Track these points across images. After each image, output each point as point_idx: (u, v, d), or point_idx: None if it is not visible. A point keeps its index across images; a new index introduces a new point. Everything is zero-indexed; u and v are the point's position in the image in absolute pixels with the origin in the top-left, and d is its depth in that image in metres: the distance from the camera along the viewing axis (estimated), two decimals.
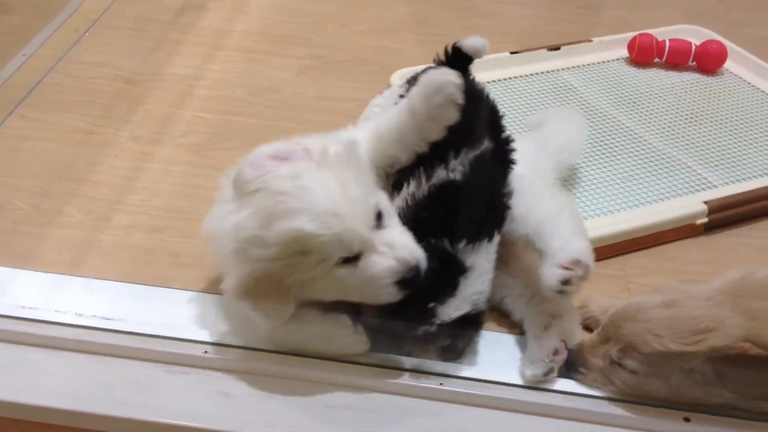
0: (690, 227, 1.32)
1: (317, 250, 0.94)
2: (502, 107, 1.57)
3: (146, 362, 1.06)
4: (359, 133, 1.14)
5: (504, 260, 1.12)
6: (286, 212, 0.94)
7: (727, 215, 1.34)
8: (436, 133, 1.06)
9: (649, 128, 1.56)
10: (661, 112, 1.62)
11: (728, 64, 1.74)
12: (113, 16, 1.93)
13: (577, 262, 1.00)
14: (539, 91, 1.68)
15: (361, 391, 1.03)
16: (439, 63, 1.25)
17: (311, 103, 1.65)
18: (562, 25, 1.96)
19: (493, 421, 1.01)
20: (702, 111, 1.62)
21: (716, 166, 1.46)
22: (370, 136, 1.11)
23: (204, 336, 1.09)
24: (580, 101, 1.64)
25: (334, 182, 0.96)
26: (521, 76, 1.72)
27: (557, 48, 1.78)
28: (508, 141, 1.14)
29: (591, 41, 1.81)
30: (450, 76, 1.03)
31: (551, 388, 1.03)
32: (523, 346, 1.09)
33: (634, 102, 1.65)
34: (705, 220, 1.32)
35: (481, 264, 1.04)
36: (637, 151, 1.50)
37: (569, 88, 1.68)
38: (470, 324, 1.05)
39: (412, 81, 1.23)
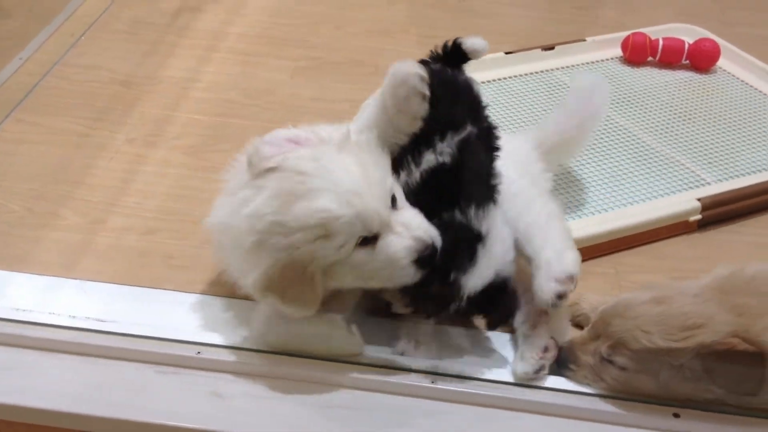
0: (683, 224, 1.33)
1: (339, 232, 0.94)
2: (498, 107, 1.61)
3: (139, 363, 1.07)
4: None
5: None
6: (308, 192, 0.94)
7: (720, 212, 1.34)
8: (409, 125, 1.05)
9: (643, 126, 1.57)
10: (655, 110, 1.62)
11: (721, 62, 1.74)
12: (109, 20, 1.94)
13: (571, 278, 1.02)
14: (534, 90, 1.68)
15: (353, 391, 1.04)
16: (436, 57, 1.26)
17: (307, 104, 1.66)
18: (559, 25, 1.97)
19: (485, 418, 1.01)
20: (695, 109, 1.63)
21: (710, 163, 1.46)
22: (357, 129, 1.10)
23: (197, 337, 1.09)
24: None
25: (354, 164, 0.97)
26: (516, 76, 1.73)
27: (551, 48, 1.78)
28: (491, 128, 1.14)
29: (585, 41, 1.81)
30: (413, 68, 1.03)
31: (542, 385, 1.03)
32: (514, 344, 1.10)
33: (628, 101, 1.65)
34: (698, 217, 1.33)
35: (495, 229, 1.02)
36: (631, 149, 1.50)
37: (564, 88, 1.69)
38: (499, 293, 1.02)
39: None
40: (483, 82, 1.68)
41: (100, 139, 1.53)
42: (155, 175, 1.44)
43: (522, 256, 1.08)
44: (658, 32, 1.79)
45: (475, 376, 1.05)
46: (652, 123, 1.58)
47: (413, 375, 1.05)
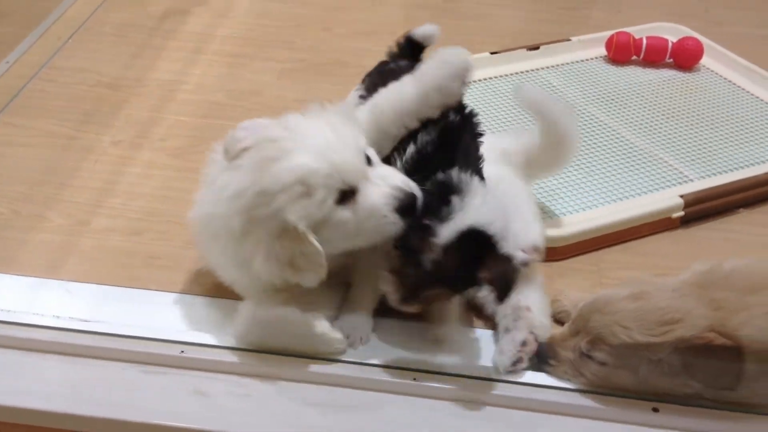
0: (666, 221, 1.33)
1: (319, 186, 0.96)
2: (484, 107, 1.61)
3: (123, 363, 1.07)
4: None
5: None
6: (282, 154, 0.97)
7: (703, 208, 1.35)
8: (437, 106, 1.08)
9: (627, 124, 1.58)
10: (639, 108, 1.63)
11: (704, 60, 1.75)
12: (97, 23, 1.95)
13: (536, 248, 1.05)
14: None
15: (336, 388, 1.05)
16: (395, 55, 1.27)
17: (292, 105, 1.63)
18: (546, 25, 1.97)
19: (466, 414, 1.02)
20: (679, 107, 1.64)
21: (692, 160, 1.47)
22: (367, 110, 1.13)
23: (181, 336, 1.10)
24: (559, 99, 1.65)
25: (324, 125, 1.01)
26: (501, 76, 1.74)
27: (536, 48, 1.79)
28: (472, 114, 1.14)
29: (570, 40, 1.82)
30: (465, 55, 1.08)
31: (522, 380, 1.04)
32: (496, 340, 1.10)
33: (613, 99, 1.66)
34: (681, 213, 1.34)
35: (476, 186, 1.01)
36: (615, 147, 1.51)
37: (549, 87, 1.70)
38: (484, 250, 0.98)
39: (366, 79, 1.25)
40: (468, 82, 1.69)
41: (87, 141, 1.54)
42: (141, 176, 1.45)
43: None
44: (641, 31, 1.80)
45: (457, 372, 1.05)
46: (636, 121, 1.59)
47: (396, 372, 1.05)
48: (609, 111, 1.62)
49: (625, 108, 1.63)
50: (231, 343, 1.08)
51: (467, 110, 1.14)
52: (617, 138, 1.54)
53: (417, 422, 1.01)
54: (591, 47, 1.81)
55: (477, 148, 1.11)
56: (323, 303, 1.09)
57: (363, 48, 1.87)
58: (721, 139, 1.53)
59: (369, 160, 1.03)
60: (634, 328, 0.96)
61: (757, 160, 1.47)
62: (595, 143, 1.52)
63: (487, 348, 1.10)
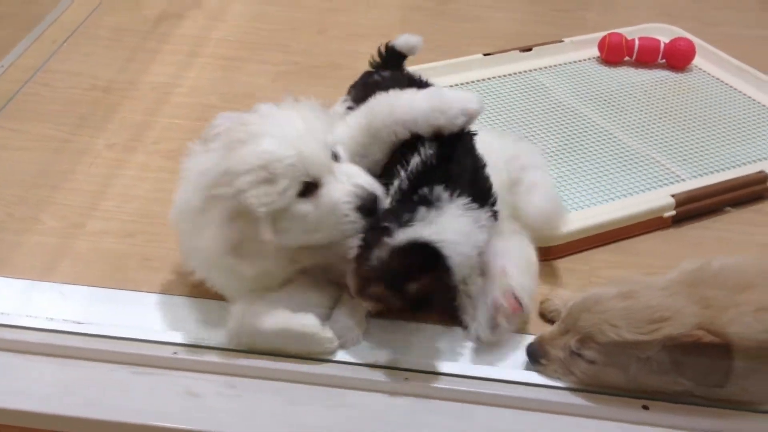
0: (658, 220, 1.34)
1: (282, 175, 0.97)
2: None
3: (116, 364, 1.08)
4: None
5: None
6: (250, 137, 0.99)
7: (694, 207, 1.36)
8: (434, 129, 1.08)
9: (620, 125, 1.58)
10: (632, 109, 1.64)
11: (697, 61, 1.76)
12: (92, 27, 1.95)
13: (515, 297, 1.06)
14: (512, 91, 1.69)
15: (327, 388, 1.05)
16: (377, 65, 1.28)
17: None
18: (540, 27, 1.97)
19: (457, 413, 1.02)
20: (671, 107, 1.64)
21: (684, 160, 1.48)
22: (362, 112, 1.15)
23: (173, 337, 1.10)
24: (552, 101, 1.66)
25: (295, 116, 1.03)
26: (494, 78, 1.74)
27: (529, 49, 1.80)
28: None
29: (562, 41, 1.83)
30: (481, 100, 1.09)
31: (513, 379, 1.04)
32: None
33: (605, 100, 1.67)
34: (672, 212, 1.34)
35: (455, 212, 1.00)
36: (608, 147, 1.52)
37: (541, 88, 1.70)
38: (427, 261, 0.97)
39: (351, 90, 1.26)
40: (462, 84, 1.70)
41: (81, 144, 1.54)
42: (135, 179, 1.45)
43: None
44: (634, 32, 1.80)
45: (448, 372, 1.06)
46: (629, 121, 1.60)
47: (387, 372, 1.06)
48: (601, 111, 1.63)
49: (617, 108, 1.64)
50: (223, 344, 1.09)
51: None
52: (609, 138, 1.54)
53: (409, 422, 1.01)
54: (584, 48, 1.82)
55: (478, 155, 1.11)
56: (314, 302, 1.10)
57: (357, 51, 1.87)
58: (713, 139, 1.54)
59: (336, 157, 1.04)
60: (623, 327, 0.96)
61: (749, 159, 1.48)
62: (587, 144, 1.52)
63: (478, 348, 1.10)
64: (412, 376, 1.05)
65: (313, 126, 1.03)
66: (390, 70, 1.24)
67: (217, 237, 0.99)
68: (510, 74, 1.75)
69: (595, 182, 1.42)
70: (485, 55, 1.77)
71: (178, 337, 1.10)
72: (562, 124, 1.58)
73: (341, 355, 1.07)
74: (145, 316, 1.15)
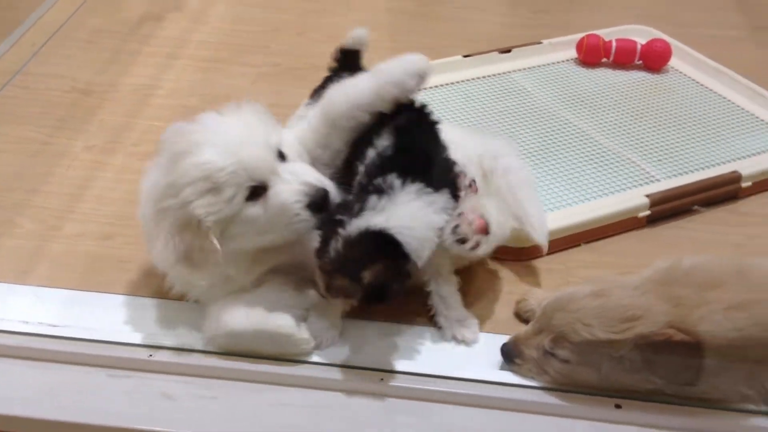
0: (633, 220, 1.35)
1: (226, 183, 0.99)
2: (456, 110, 1.63)
3: (91, 367, 1.08)
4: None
5: None
6: (191, 147, 1.00)
7: (668, 207, 1.37)
8: (390, 100, 1.09)
9: (596, 125, 1.59)
10: (609, 109, 1.65)
11: (673, 62, 1.77)
12: (72, 29, 1.95)
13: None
14: (491, 93, 1.70)
15: (302, 389, 1.05)
16: (334, 69, 1.29)
17: (268, 110, 1.67)
18: (519, 29, 1.98)
19: (431, 413, 1.03)
20: (648, 108, 1.66)
21: (659, 160, 1.49)
22: (318, 106, 1.15)
23: (150, 339, 1.11)
24: (530, 102, 1.67)
25: (235, 122, 1.05)
26: (473, 79, 1.75)
27: (508, 51, 1.81)
28: (424, 107, 1.15)
29: (541, 43, 1.84)
30: (424, 58, 1.11)
31: (488, 379, 1.05)
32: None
33: (583, 101, 1.68)
34: (647, 212, 1.35)
35: (405, 198, 1.00)
36: (584, 148, 1.53)
37: (520, 90, 1.71)
38: (379, 249, 0.97)
39: (315, 94, 1.27)
40: (441, 86, 1.71)
41: (59, 146, 1.54)
42: (113, 181, 1.45)
43: None
44: (611, 34, 1.82)
45: (423, 372, 1.06)
46: (605, 122, 1.61)
47: (363, 373, 1.06)
48: (579, 112, 1.64)
49: (594, 109, 1.65)
50: (200, 346, 1.09)
51: (417, 105, 1.15)
52: (586, 139, 1.55)
53: (384, 422, 1.02)
54: (562, 50, 1.83)
55: (439, 140, 1.12)
56: (291, 303, 1.10)
57: None
58: (688, 139, 1.55)
59: (283, 156, 1.05)
60: (595, 325, 0.97)
61: (723, 159, 1.49)
62: (563, 144, 1.53)
63: (450, 348, 1.11)
64: (387, 376, 1.06)
65: (255, 130, 1.04)
66: (349, 71, 1.24)
67: (169, 248, 1.01)
68: (489, 75, 1.76)
69: (571, 182, 1.43)
70: (465, 56, 1.78)
71: (154, 340, 1.10)
72: (539, 125, 1.59)
73: (317, 356, 1.08)
74: (121, 319, 1.15)
